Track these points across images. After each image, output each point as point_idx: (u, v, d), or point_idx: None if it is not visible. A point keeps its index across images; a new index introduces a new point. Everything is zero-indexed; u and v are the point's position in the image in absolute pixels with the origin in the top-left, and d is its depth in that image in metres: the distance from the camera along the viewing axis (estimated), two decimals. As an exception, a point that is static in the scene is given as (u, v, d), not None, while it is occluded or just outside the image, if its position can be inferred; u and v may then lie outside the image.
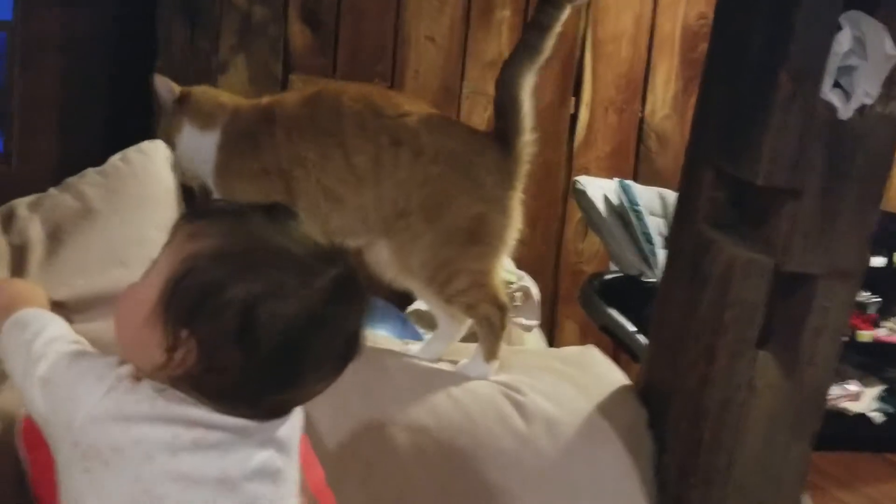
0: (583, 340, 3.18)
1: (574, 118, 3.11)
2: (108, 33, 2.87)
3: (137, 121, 2.81)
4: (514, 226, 1.43)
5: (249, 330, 0.85)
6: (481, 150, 1.40)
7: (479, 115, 3.06)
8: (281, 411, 0.93)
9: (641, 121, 3.14)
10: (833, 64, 1.21)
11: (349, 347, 0.92)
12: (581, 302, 2.41)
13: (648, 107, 3.14)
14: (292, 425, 0.97)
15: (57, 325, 1.00)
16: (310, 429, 1.29)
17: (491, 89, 2.99)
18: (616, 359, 3.09)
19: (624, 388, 1.52)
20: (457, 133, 1.43)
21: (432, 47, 3.00)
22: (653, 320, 1.56)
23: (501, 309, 1.42)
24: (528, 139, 1.42)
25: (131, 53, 2.84)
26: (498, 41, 3.02)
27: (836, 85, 1.23)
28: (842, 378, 3.50)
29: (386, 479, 1.33)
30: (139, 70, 2.82)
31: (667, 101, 3.12)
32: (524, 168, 1.43)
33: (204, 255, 0.88)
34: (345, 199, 1.38)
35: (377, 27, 2.97)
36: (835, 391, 3.43)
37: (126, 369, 0.90)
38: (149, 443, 0.87)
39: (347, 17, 2.96)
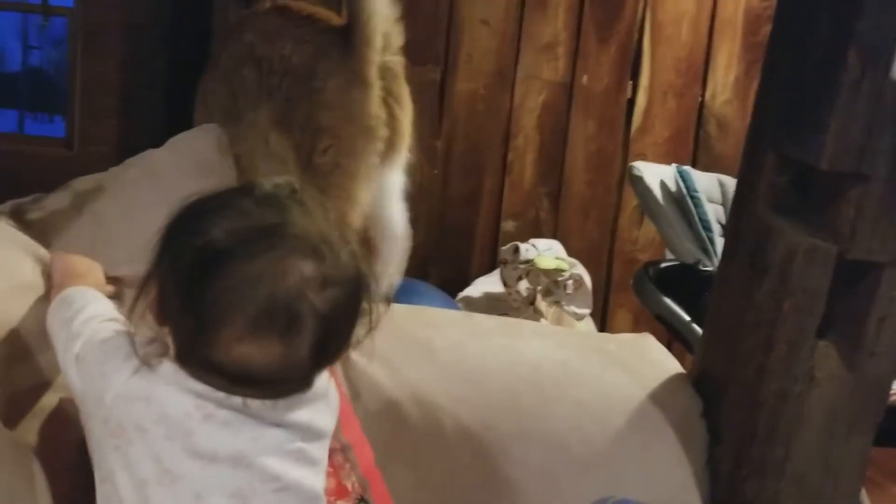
0: (636, 329, 3.14)
1: (631, 103, 3.06)
2: (166, 18, 2.90)
3: (193, 105, 2.85)
4: None
5: (176, 255, 0.88)
6: None
7: (533, 99, 3.03)
8: (245, 382, 0.90)
9: (701, 105, 3.08)
10: (904, 42, 1.16)
11: (277, 307, 0.86)
12: (634, 290, 2.37)
13: (709, 91, 3.07)
14: (317, 411, 0.96)
15: (97, 304, 1.01)
16: (360, 411, 1.30)
17: (546, 73, 3.00)
18: (669, 348, 3.06)
19: (678, 377, 1.49)
20: None
21: (486, 31, 2.97)
22: (709, 308, 1.52)
23: None
24: None
25: (188, 37, 2.87)
26: (554, 24, 2.97)
27: (907, 65, 1.18)
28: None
29: (433, 461, 1.33)
30: (196, 54, 2.86)
31: (728, 86, 3.05)
32: None
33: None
34: None
35: (431, 11, 2.95)
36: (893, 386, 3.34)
37: (154, 347, 0.92)
38: (168, 423, 0.88)
39: (400, 0, 2.95)
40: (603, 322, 3.11)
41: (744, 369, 1.36)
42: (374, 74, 1.57)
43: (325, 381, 0.98)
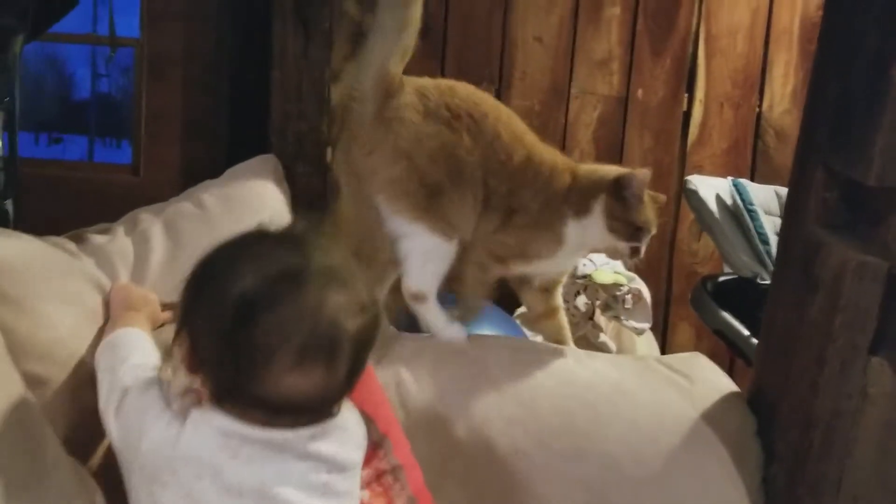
0: (697, 343, 3.11)
1: (687, 116, 3.05)
2: (228, 45, 2.99)
3: (256, 130, 2.93)
4: None
5: (211, 306, 0.91)
6: None
7: (588, 114, 3.04)
8: (287, 411, 0.93)
9: (759, 116, 3.05)
10: (950, 55, 1.15)
11: (320, 337, 0.91)
12: (693, 304, 2.35)
13: (766, 102, 3.04)
14: (342, 443, 0.99)
15: (141, 352, 1.06)
16: (412, 430, 1.32)
17: (600, 88, 3.00)
18: (732, 363, 3.03)
19: (731, 395, 1.48)
20: None
21: (540, 47, 3.00)
22: (763, 324, 1.51)
23: None
24: None
25: (249, 65, 2.96)
26: (608, 39, 2.98)
27: (955, 78, 1.17)
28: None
29: (485, 481, 1.35)
30: (257, 81, 2.94)
31: (785, 96, 3.01)
32: None
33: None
34: None
35: (484, 30, 2.98)
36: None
37: (190, 397, 0.97)
38: (197, 462, 0.92)
39: (455, 21, 2.99)
40: (664, 336, 3.09)
41: (797, 386, 1.35)
42: None
43: (348, 414, 1.02)
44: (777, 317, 1.44)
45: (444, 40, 2.98)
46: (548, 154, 1.52)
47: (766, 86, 3.03)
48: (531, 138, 1.51)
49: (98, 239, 1.26)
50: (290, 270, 0.92)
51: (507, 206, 1.48)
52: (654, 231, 1.49)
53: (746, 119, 3.05)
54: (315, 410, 0.96)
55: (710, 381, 1.50)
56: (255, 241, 0.97)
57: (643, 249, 1.48)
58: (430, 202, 1.42)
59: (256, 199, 1.38)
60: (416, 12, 1.40)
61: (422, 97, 1.44)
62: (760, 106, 3.04)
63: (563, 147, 3.03)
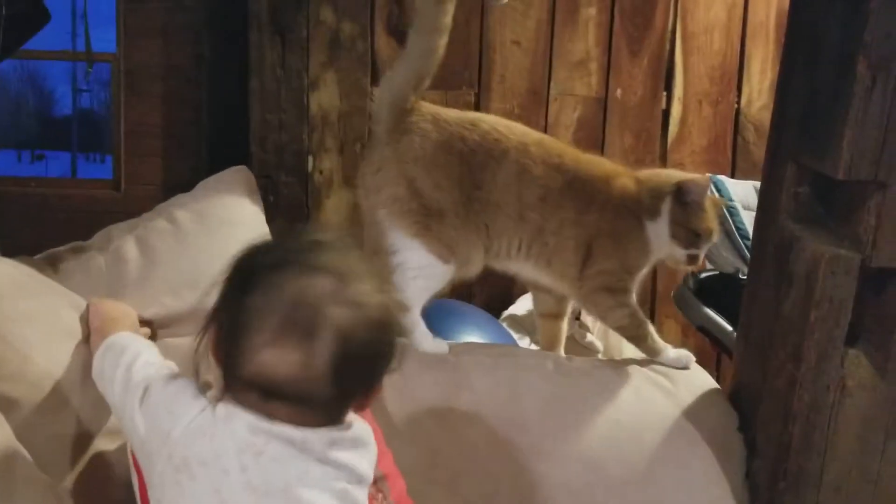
0: (684, 340, 3.12)
1: (666, 114, 3.06)
2: (206, 59, 2.99)
3: (237, 141, 2.93)
4: None
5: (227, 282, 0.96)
6: None
7: (568, 116, 3.04)
8: (276, 396, 0.94)
9: (737, 112, 3.06)
10: (913, 49, 1.16)
11: (298, 317, 0.93)
12: (676, 302, 2.36)
13: (744, 98, 3.06)
14: (360, 456, 0.99)
15: (151, 351, 1.08)
16: (396, 439, 1.32)
17: (579, 89, 3.01)
18: (719, 359, 3.04)
19: (713, 392, 1.49)
20: None
21: (518, 51, 3.00)
22: (740, 320, 1.52)
23: None
24: None
25: (228, 77, 2.96)
26: (585, 40, 2.99)
27: (919, 71, 1.18)
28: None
29: (471, 486, 1.35)
30: (235, 93, 2.94)
31: (763, 91, 3.02)
32: None
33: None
34: None
35: (462, 34, 2.99)
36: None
37: (213, 392, 0.98)
38: (227, 457, 0.92)
39: (433, 27, 2.99)
40: (650, 334, 3.10)
41: (776, 381, 1.36)
42: None
43: (364, 430, 1.02)
44: (754, 312, 1.45)
45: (421, 46, 2.98)
46: (596, 166, 1.52)
47: (744, 82, 3.05)
48: (571, 158, 1.50)
49: (71, 258, 1.26)
50: (296, 253, 0.96)
51: (576, 238, 1.47)
52: (714, 239, 1.49)
53: (725, 115, 3.06)
54: (307, 401, 0.95)
55: (692, 380, 1.51)
56: (286, 239, 1.01)
57: (701, 257, 1.48)
58: (430, 223, 1.43)
59: (229, 212, 1.38)
60: (443, 41, 1.42)
61: (437, 126, 1.45)
62: (739, 102, 3.05)
63: (544, 149, 3.04)
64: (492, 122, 1.49)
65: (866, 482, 1.33)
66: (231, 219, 1.37)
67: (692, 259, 1.48)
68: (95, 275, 1.24)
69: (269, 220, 2.83)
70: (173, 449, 0.94)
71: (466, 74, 3.00)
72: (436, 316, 2.34)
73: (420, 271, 1.46)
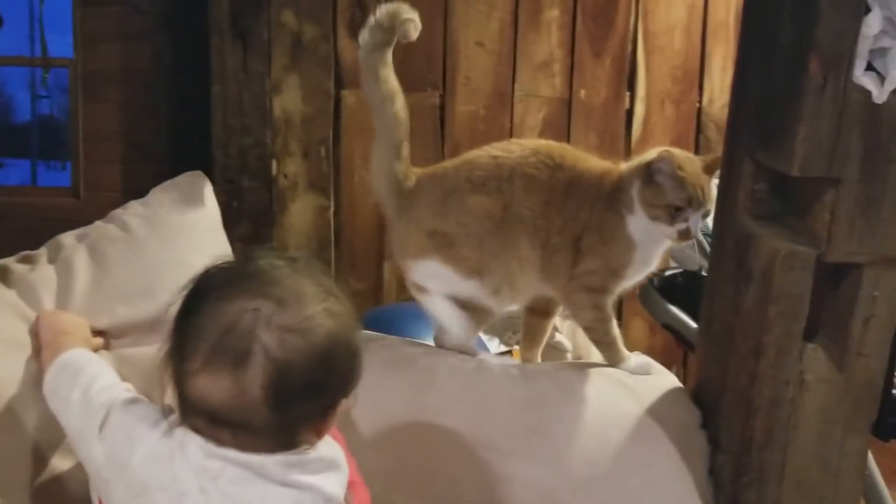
0: (651, 338, 3.14)
1: (630, 113, 3.08)
2: (165, 62, 2.97)
3: (198, 146, 2.91)
4: None
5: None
6: None
7: (533, 117, 3.05)
8: (221, 423, 0.93)
9: (699, 111, 3.09)
10: (864, 47, 1.17)
11: (228, 342, 0.91)
12: (641, 300, 2.37)
13: (706, 96, 3.09)
14: (327, 478, 0.98)
15: (108, 373, 1.06)
16: (359, 444, 1.32)
17: (543, 90, 3.02)
18: (686, 357, 3.06)
19: (675, 390, 1.50)
20: None
21: (482, 52, 3.01)
22: (701, 317, 1.53)
23: None
24: None
25: (188, 82, 2.93)
26: (548, 42, 3.00)
27: (871, 69, 1.19)
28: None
29: (435, 490, 1.35)
30: (197, 97, 2.92)
31: (724, 90, 3.05)
32: None
33: None
34: None
35: (426, 36, 2.97)
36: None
37: (174, 418, 0.96)
38: (185, 480, 0.92)
39: (395, 29, 2.99)
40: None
41: (737, 377, 1.37)
42: None
43: (333, 452, 1.01)
44: (714, 309, 1.46)
45: (384, 49, 2.97)
46: (595, 164, 1.52)
47: (706, 80, 3.08)
48: (572, 158, 1.49)
49: (19, 268, 1.23)
50: (239, 275, 0.95)
51: (571, 235, 1.46)
52: (707, 207, 1.40)
53: (687, 114, 3.09)
54: (247, 427, 0.93)
55: (654, 378, 1.52)
56: (243, 258, 0.99)
57: (694, 229, 1.40)
58: (451, 247, 1.44)
59: (183, 218, 1.37)
60: (398, 105, 1.42)
61: (436, 181, 1.46)
62: (701, 101, 3.08)
63: (509, 150, 3.05)
64: (486, 150, 1.49)
65: (827, 475, 1.35)
66: (185, 225, 1.35)
67: (684, 234, 1.41)
68: (45, 284, 1.21)
69: (234, 226, 2.83)
70: (133, 476, 0.93)
71: (431, 76, 3.00)
72: (402, 318, 2.34)
73: (437, 277, 1.45)
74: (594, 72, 3.05)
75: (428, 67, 3.00)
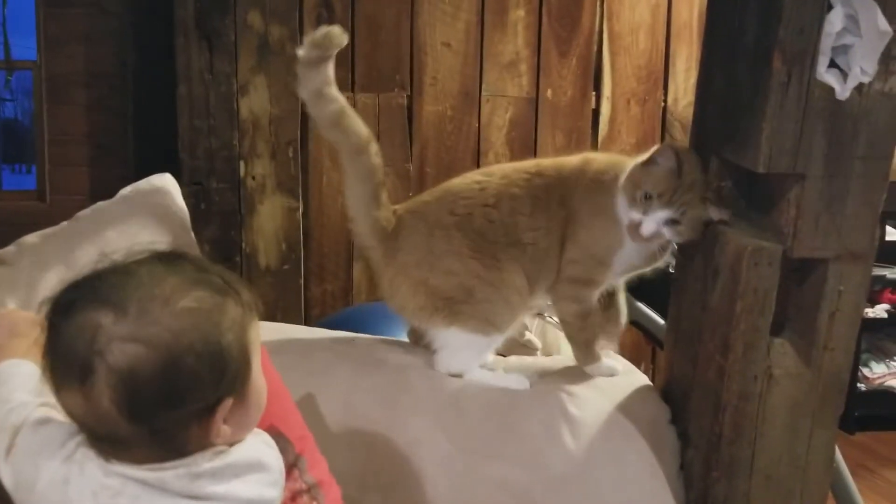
0: (623, 335, 3.16)
1: (596, 113, 3.10)
2: (130, 64, 2.93)
3: (165, 148, 2.88)
4: None
5: None
6: None
7: (500, 116, 3.06)
8: (99, 438, 0.90)
9: (664, 110, 3.12)
10: (827, 44, 1.19)
11: (73, 357, 0.88)
12: (610, 298, 2.38)
13: (671, 96, 3.12)
14: (245, 482, 0.94)
15: (26, 388, 1.01)
16: (331, 444, 1.31)
17: (510, 90, 3.03)
18: (653, 353, 3.08)
19: (644, 388, 1.51)
20: None
21: (449, 53, 3.01)
22: (669, 314, 1.54)
23: None
24: None
25: (154, 83, 2.90)
26: (514, 42, 3.01)
27: (833, 65, 1.21)
28: (888, 356, 3.43)
29: (408, 490, 1.34)
30: (162, 99, 2.89)
31: (689, 89, 3.09)
32: None
33: None
34: None
35: (392, 37, 2.99)
36: (879, 369, 3.36)
37: (83, 437, 0.93)
38: (83, 501, 0.90)
39: (362, 29, 2.99)
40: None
41: (705, 372, 1.38)
42: None
43: (254, 454, 0.97)
44: (682, 306, 1.47)
45: (352, 49, 2.97)
46: (572, 160, 1.51)
47: (670, 80, 3.11)
48: (550, 163, 1.49)
49: (-20, 269, 1.22)
50: (81, 290, 0.90)
51: (559, 231, 1.44)
52: (675, 215, 1.34)
53: (653, 113, 3.12)
54: (113, 439, 0.90)
55: (623, 376, 1.53)
56: (86, 273, 0.94)
57: (647, 228, 1.35)
58: (459, 308, 1.43)
59: (150, 220, 1.36)
60: (372, 159, 1.41)
61: (420, 216, 1.45)
62: (665, 100, 3.11)
63: (477, 150, 3.06)
64: (468, 177, 1.49)
65: (795, 468, 1.36)
66: (151, 226, 1.34)
67: (635, 226, 1.36)
68: (7, 285, 1.19)
69: (202, 228, 2.81)
70: (38, 500, 0.91)
71: (398, 77, 3.00)
72: (374, 318, 2.33)
73: (466, 349, 1.46)
74: (560, 72, 3.07)
75: (395, 68, 3.00)
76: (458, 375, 1.46)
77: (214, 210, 2.98)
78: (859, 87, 1.21)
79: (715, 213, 1.34)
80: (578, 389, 1.47)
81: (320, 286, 3.07)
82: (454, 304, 1.43)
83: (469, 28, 3.01)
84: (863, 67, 1.19)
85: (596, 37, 3.05)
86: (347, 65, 2.97)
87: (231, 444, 0.96)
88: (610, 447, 1.41)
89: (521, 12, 3.02)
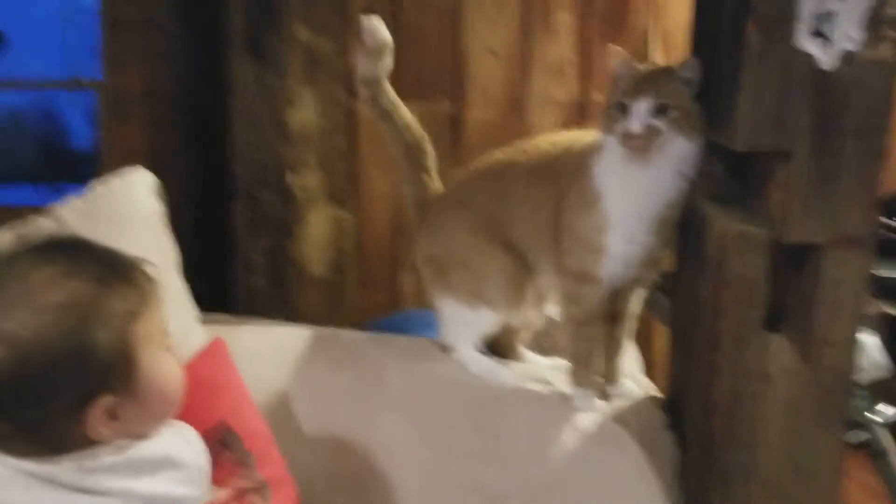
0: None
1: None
2: (186, 82, 3.00)
3: (220, 158, 2.93)
4: None
5: None
6: None
7: (549, 121, 2.99)
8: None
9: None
10: (806, 10, 1.09)
11: None
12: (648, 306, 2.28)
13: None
14: (153, 479, 0.93)
15: None
16: (297, 443, 1.28)
17: (558, 95, 2.96)
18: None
19: (640, 393, 1.42)
20: None
21: (493, 59, 2.96)
22: (671, 311, 1.45)
23: None
24: None
25: (208, 97, 2.96)
26: (561, 45, 2.94)
27: (818, 34, 1.12)
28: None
29: (378, 492, 1.29)
30: (217, 112, 2.94)
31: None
32: None
33: None
34: None
35: (437, 46, 2.96)
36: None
37: None
38: None
39: (406, 39, 2.97)
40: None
41: (698, 371, 1.29)
42: None
43: (167, 448, 0.96)
44: (679, 298, 1.38)
45: (396, 59, 2.96)
46: (565, 135, 1.51)
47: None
48: (544, 140, 1.48)
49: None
50: None
51: (543, 217, 1.39)
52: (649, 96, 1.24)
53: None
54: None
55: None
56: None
57: (634, 122, 1.25)
58: (450, 279, 1.46)
59: (122, 213, 1.36)
60: (418, 137, 1.53)
61: (451, 191, 1.51)
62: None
63: (527, 157, 3.00)
64: (496, 154, 1.48)
65: (798, 474, 1.25)
66: (124, 219, 1.34)
67: (626, 134, 1.26)
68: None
69: (256, 239, 2.84)
70: None
71: (441, 83, 2.97)
72: (416, 324, 2.30)
73: (455, 321, 1.47)
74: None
75: (439, 76, 2.98)
76: (451, 350, 1.47)
77: (267, 221, 3.01)
78: (846, 56, 1.11)
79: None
80: (568, 390, 1.40)
81: (369, 295, 3.06)
82: (447, 274, 1.44)
83: (513, 33, 2.96)
84: (848, 33, 1.09)
85: (644, 37, 2.95)
86: (393, 74, 2.96)
87: (138, 438, 0.94)
88: (597, 452, 1.32)
89: (567, 15, 2.95)
